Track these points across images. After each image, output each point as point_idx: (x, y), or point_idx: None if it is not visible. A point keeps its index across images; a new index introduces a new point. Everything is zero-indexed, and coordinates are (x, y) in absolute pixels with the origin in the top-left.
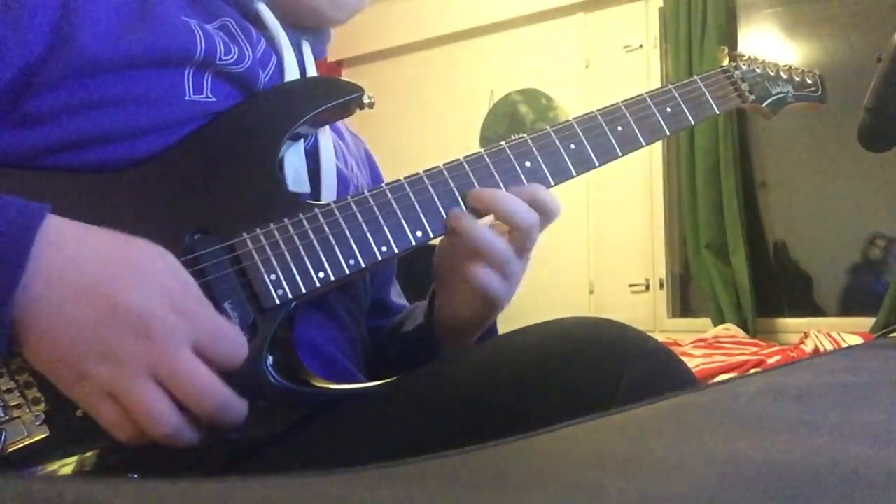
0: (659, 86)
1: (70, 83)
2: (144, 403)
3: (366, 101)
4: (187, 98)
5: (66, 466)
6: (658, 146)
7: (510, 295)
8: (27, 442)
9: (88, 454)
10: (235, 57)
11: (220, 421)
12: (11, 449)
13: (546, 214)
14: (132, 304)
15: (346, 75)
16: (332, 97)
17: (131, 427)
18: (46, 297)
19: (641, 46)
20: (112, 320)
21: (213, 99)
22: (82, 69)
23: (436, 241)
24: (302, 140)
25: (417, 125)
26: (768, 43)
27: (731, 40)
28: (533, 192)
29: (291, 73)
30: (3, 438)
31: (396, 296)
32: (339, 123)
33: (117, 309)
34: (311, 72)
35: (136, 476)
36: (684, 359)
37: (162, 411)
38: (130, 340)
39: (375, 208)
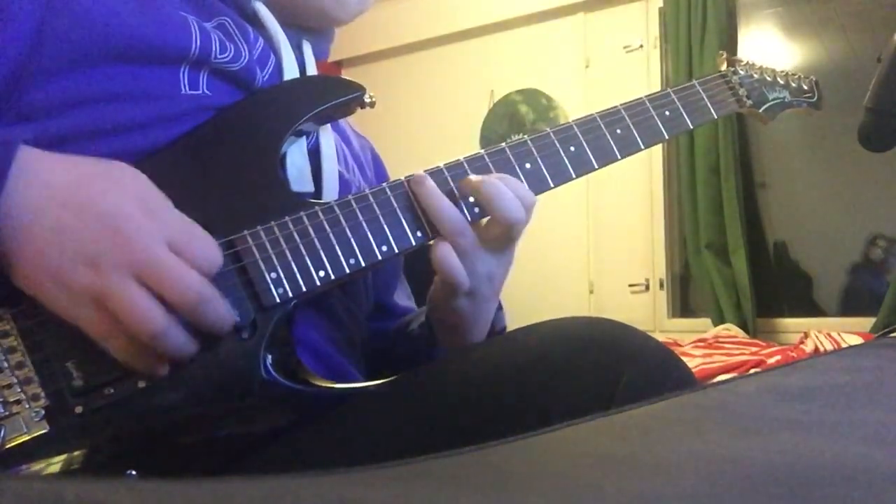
0: (659, 86)
1: (64, 76)
2: (128, 301)
3: (367, 100)
4: (183, 92)
5: (64, 463)
6: (658, 146)
7: (481, 289)
8: (26, 438)
9: (87, 451)
10: (231, 55)
11: (203, 316)
12: (10, 445)
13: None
14: (107, 206)
15: (346, 75)
16: (335, 95)
17: (121, 335)
18: (28, 205)
19: (641, 46)
20: (89, 222)
21: (210, 94)
22: (76, 61)
23: None
24: (304, 137)
25: (417, 125)
26: (768, 43)
27: (731, 40)
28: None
29: (290, 73)
30: (1, 434)
31: (404, 298)
32: (344, 124)
33: (93, 211)
34: (312, 72)
35: (133, 473)
36: (684, 359)
37: (147, 307)
38: (107, 240)
39: (376, 207)
